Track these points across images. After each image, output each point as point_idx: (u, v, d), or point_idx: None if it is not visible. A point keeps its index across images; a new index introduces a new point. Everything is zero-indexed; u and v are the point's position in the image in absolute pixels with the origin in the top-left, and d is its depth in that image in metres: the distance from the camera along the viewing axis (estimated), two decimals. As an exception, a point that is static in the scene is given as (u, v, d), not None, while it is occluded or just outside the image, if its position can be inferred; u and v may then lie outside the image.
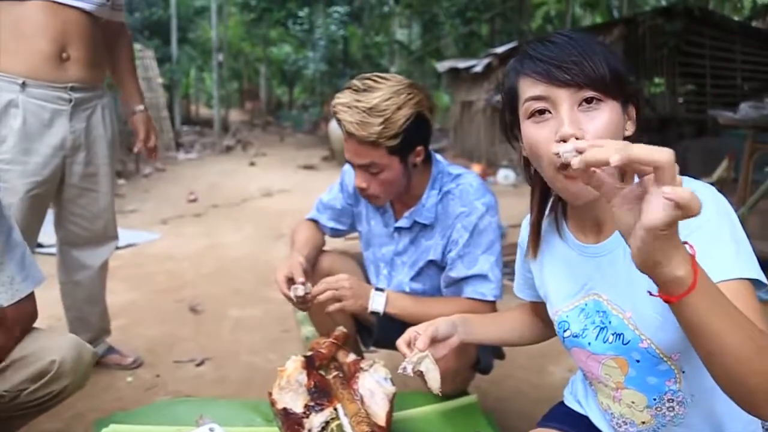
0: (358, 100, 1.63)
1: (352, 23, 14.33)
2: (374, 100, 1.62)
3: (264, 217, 6.03)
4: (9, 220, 1.69)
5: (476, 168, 8.07)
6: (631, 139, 1.13)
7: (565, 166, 0.92)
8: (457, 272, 1.79)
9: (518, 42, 9.74)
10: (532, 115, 1.10)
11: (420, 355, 1.32)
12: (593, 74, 1.06)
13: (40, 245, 2.40)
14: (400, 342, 1.38)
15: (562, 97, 1.06)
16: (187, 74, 18.42)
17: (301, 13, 13.34)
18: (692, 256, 0.84)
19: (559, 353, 2.75)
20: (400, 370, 1.32)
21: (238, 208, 6.40)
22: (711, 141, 8.09)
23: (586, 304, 1.28)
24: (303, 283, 1.74)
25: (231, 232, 5.37)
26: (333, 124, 10.21)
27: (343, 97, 1.66)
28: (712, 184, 1.13)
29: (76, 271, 2.42)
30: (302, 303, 1.75)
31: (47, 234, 2.47)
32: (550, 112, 1.08)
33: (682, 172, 0.84)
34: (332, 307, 1.74)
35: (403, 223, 1.87)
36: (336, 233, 2.12)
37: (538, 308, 1.50)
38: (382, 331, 1.95)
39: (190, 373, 2.58)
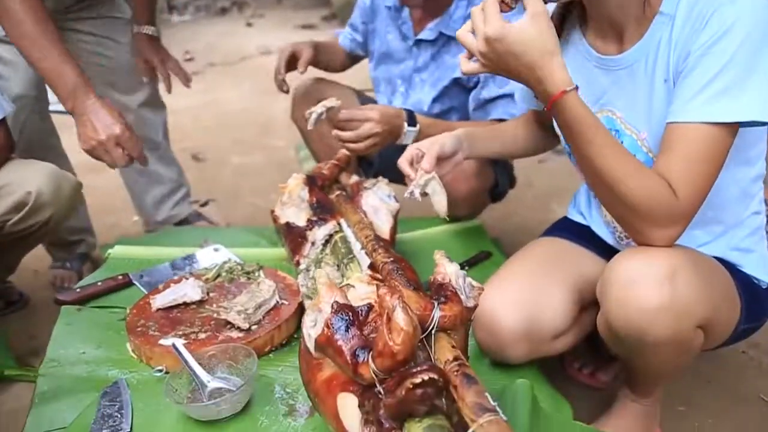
0: None
1: None
2: None
3: (263, 75, 5.80)
4: None
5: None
6: None
7: None
8: (488, 92, 1.70)
9: None
10: None
11: (426, 177, 1.25)
12: None
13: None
14: (402, 161, 1.30)
15: None
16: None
17: None
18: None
19: (564, 192, 2.71)
20: (406, 195, 1.26)
21: (236, 66, 6.18)
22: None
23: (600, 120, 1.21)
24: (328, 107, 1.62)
25: (230, 88, 5.21)
26: (332, -19, 9.69)
27: None
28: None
29: None
30: (318, 119, 1.62)
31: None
32: None
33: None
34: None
35: (426, 35, 1.76)
36: (353, 50, 2.01)
37: (542, 116, 1.43)
38: (383, 161, 1.89)
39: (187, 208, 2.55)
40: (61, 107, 1.58)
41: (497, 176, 1.81)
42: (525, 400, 1.07)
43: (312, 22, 9.58)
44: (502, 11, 0.99)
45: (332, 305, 0.88)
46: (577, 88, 0.98)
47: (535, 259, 1.33)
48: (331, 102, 1.59)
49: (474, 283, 1.01)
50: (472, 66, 1.04)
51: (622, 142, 1.17)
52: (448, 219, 1.32)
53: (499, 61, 1.00)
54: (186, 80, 2.12)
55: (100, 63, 1.98)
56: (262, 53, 6.80)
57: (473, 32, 1.01)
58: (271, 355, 1.29)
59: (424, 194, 1.27)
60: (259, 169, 3.15)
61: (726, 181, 1.10)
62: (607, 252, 1.27)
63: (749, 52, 0.94)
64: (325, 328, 0.88)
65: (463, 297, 0.92)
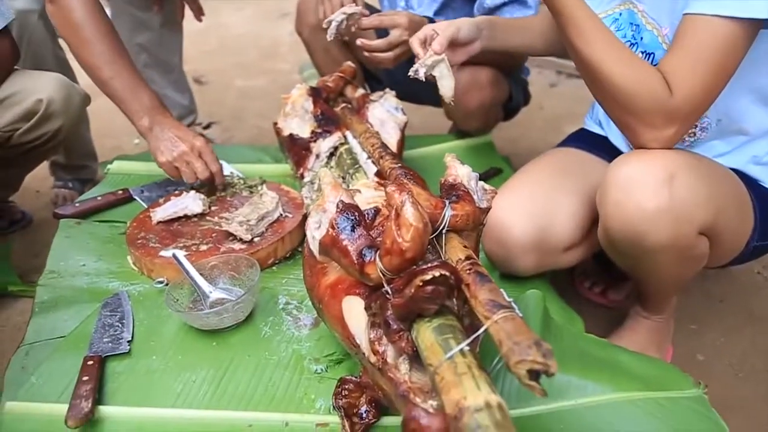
0: None
1: None
2: None
3: (264, -1, 5.65)
4: None
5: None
6: None
7: None
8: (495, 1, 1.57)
9: None
10: None
11: (435, 58, 1.16)
12: None
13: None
14: (414, 39, 1.21)
15: None
16: None
17: None
18: None
19: (575, 116, 2.64)
20: (410, 73, 1.18)
21: (238, -10, 5.98)
22: None
23: (620, 14, 1.14)
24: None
25: (231, 12, 5.05)
26: None
27: None
28: None
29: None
30: (338, 27, 1.50)
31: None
32: None
33: None
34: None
35: None
36: None
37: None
38: (392, 77, 1.80)
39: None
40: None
41: (512, 90, 1.73)
42: (536, 310, 1.03)
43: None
44: None
45: (337, 205, 0.83)
46: None
47: (548, 169, 1.27)
48: (351, 8, 1.48)
49: (486, 186, 0.95)
50: None
51: (641, 38, 1.10)
52: (452, 104, 1.23)
53: None
54: (199, 13, 2.07)
55: None
56: (265, -23, 6.58)
57: None
58: (274, 267, 1.25)
59: (431, 77, 1.19)
60: (263, 91, 3.07)
61: (747, 88, 1.04)
62: None
63: None
64: (330, 229, 0.83)
65: (475, 198, 0.87)
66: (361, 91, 1.62)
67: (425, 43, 1.20)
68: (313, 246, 0.87)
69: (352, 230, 0.81)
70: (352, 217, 0.82)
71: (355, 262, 0.79)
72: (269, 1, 5.44)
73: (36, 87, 1.50)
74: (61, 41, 1.85)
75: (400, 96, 1.58)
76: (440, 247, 0.81)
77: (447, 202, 0.83)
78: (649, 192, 0.93)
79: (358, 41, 1.48)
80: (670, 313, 1.26)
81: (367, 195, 0.97)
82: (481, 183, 0.94)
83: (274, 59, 3.68)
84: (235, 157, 1.69)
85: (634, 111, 0.95)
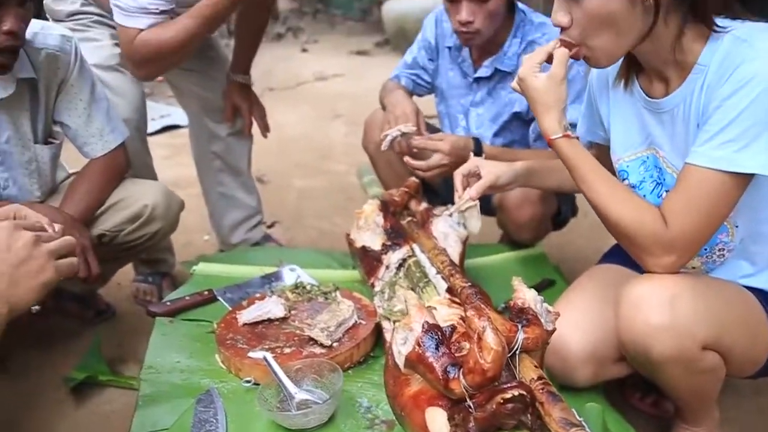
0: None
1: None
2: None
3: (320, 100, 6.01)
4: (92, 75, 1.74)
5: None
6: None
7: None
8: None
9: None
10: None
11: (468, 204, 1.37)
12: None
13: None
14: (458, 175, 1.46)
15: None
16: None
17: None
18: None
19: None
20: (445, 212, 1.38)
21: (293, 91, 6.37)
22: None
23: (647, 157, 1.29)
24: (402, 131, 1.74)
25: (288, 112, 5.38)
26: (386, 8, 9.89)
27: None
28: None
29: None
30: (392, 141, 1.76)
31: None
32: None
33: None
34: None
35: (483, 72, 1.86)
36: (416, 89, 2.09)
37: (596, 153, 1.50)
38: (449, 190, 1.98)
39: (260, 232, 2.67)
40: (156, 127, 1.74)
41: (560, 204, 1.88)
42: (596, 423, 1.13)
43: (365, 48, 9.79)
44: (546, 62, 1.19)
45: (423, 325, 0.97)
46: (566, 136, 1.20)
47: (597, 285, 1.40)
48: (407, 127, 1.71)
49: (549, 307, 1.08)
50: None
51: (664, 179, 1.24)
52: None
53: (525, 96, 1.23)
54: (264, 131, 2.32)
55: (197, 94, 2.18)
56: (318, 79, 7.00)
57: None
58: (350, 371, 1.37)
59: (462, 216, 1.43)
60: (321, 192, 3.27)
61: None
62: None
63: (762, 108, 1.01)
64: (417, 346, 0.96)
65: (542, 320, 1.00)
66: (424, 205, 1.79)
67: (468, 176, 1.42)
68: (399, 360, 1.00)
69: (437, 348, 0.94)
70: (437, 337, 0.95)
71: (441, 378, 0.91)
72: (323, 103, 5.81)
73: (142, 194, 1.74)
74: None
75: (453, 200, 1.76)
76: (514, 367, 0.93)
77: (519, 326, 0.96)
78: (654, 309, 1.08)
79: (405, 158, 1.75)
80: (710, 427, 1.34)
81: (443, 312, 1.10)
82: (545, 305, 1.07)
83: (329, 160, 3.92)
84: (306, 261, 1.85)
85: (636, 243, 1.13)
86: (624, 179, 1.31)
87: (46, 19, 1.95)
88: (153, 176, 2.15)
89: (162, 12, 1.73)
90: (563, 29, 1.16)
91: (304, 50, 9.55)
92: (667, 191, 1.24)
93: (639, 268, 1.41)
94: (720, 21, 1.09)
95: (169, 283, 2.17)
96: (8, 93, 1.55)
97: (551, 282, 1.76)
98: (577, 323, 1.28)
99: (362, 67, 8.23)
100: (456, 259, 1.56)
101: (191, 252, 2.47)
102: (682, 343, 1.09)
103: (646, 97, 1.23)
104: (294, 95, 6.17)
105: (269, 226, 2.75)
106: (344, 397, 1.27)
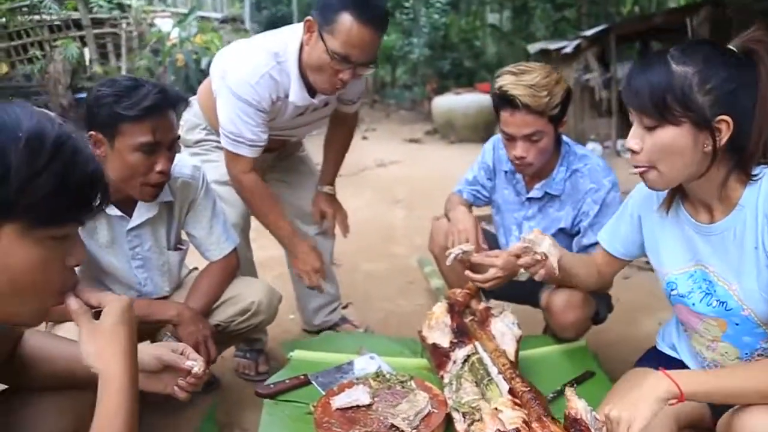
0: (521, 80, 1.77)
1: (451, 11, 14.22)
2: (536, 78, 1.77)
3: (380, 185, 6.26)
4: (214, 195, 1.96)
5: (566, 142, 7.93)
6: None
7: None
8: (588, 239, 1.92)
9: (607, 25, 9.29)
10: None
11: (553, 252, 1.51)
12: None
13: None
14: (516, 248, 1.58)
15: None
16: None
17: (406, 4, 13.37)
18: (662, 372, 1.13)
19: (648, 307, 2.80)
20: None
21: (357, 177, 6.64)
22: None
23: (695, 272, 1.37)
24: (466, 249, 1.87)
25: (353, 197, 5.59)
26: (436, 103, 10.27)
27: (506, 80, 1.80)
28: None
29: None
30: (454, 258, 1.87)
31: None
32: None
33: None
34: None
35: (534, 193, 2.00)
36: (476, 201, 2.24)
37: (606, 262, 1.64)
38: (501, 291, 2.10)
39: (338, 315, 2.82)
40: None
41: (598, 306, 1.97)
42: None
43: (417, 136, 10.13)
44: None
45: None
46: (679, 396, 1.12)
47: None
48: (467, 246, 1.84)
49: (597, 415, 1.17)
50: None
51: (715, 291, 1.32)
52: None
53: None
54: (345, 232, 2.50)
55: (291, 202, 2.40)
56: (378, 165, 7.29)
57: None
58: (425, 454, 1.48)
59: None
60: (386, 275, 3.42)
61: None
62: None
63: None
64: (491, 450, 1.07)
65: (592, 429, 1.10)
66: (483, 304, 1.91)
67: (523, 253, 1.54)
68: (475, 458, 1.11)
69: (507, 453, 1.05)
70: (507, 443, 1.07)
71: (512, 478, 1.02)
72: (383, 188, 6.05)
73: (250, 292, 1.92)
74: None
75: (504, 297, 1.86)
76: (572, 473, 1.03)
77: (575, 437, 1.06)
78: None
79: (466, 272, 1.85)
80: None
81: (508, 414, 1.21)
82: (594, 413, 1.16)
83: (391, 243, 4.09)
84: (381, 348, 1.98)
85: None
86: (673, 289, 1.40)
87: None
88: (252, 267, 2.35)
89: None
90: (633, 152, 1.25)
91: (365, 138, 9.96)
92: (717, 300, 1.32)
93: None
94: (755, 170, 1.22)
95: (264, 359, 2.32)
96: (153, 213, 1.77)
97: (592, 374, 1.83)
98: None
99: (415, 152, 8.53)
100: (512, 355, 1.67)
101: (279, 329, 2.63)
102: None
103: (695, 222, 1.33)
104: (358, 181, 6.44)
105: (344, 307, 2.90)
106: (423, 480, 1.37)
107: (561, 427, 1.09)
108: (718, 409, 1.27)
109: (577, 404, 1.15)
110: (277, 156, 2.36)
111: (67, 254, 0.88)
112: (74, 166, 0.83)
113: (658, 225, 1.44)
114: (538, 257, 1.52)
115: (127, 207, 1.73)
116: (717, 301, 1.32)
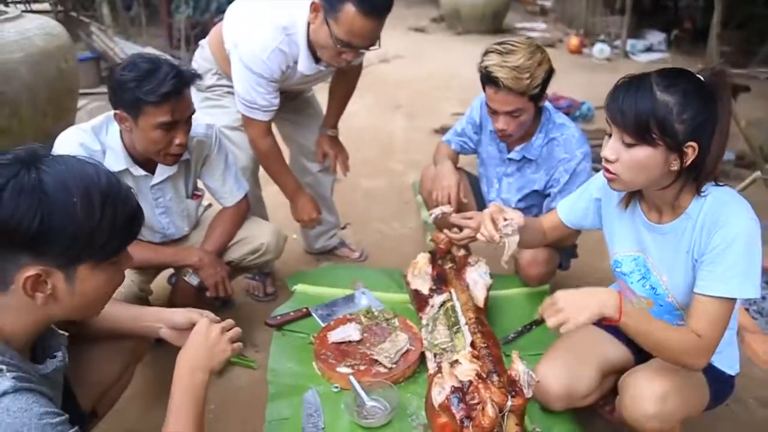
0: (506, 61, 1.95)
1: None
2: (520, 60, 1.95)
3: (383, 87, 6.30)
4: (226, 149, 2.19)
5: (574, 40, 7.79)
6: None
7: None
8: (555, 204, 2.13)
9: None
10: None
11: (512, 240, 1.72)
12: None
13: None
14: (487, 217, 1.76)
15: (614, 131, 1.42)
16: None
17: None
18: (619, 297, 1.37)
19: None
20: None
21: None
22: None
23: (638, 257, 1.64)
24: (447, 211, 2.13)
25: (354, 100, 5.70)
26: (443, -12, 9.94)
27: (491, 60, 1.98)
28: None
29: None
30: (436, 217, 2.16)
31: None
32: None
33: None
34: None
35: (514, 155, 2.23)
36: (463, 151, 2.47)
37: (557, 228, 1.89)
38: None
39: (336, 240, 3.10)
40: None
41: (561, 258, 2.28)
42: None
43: (422, 24, 9.91)
44: None
45: (451, 387, 1.43)
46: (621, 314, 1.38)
47: (575, 344, 1.76)
48: (447, 209, 2.12)
49: (533, 375, 1.51)
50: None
51: (649, 278, 1.60)
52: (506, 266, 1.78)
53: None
54: (345, 171, 2.73)
55: (296, 140, 2.66)
56: (381, 61, 7.27)
57: None
58: (401, 383, 1.85)
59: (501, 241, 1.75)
60: (384, 194, 3.69)
61: None
62: (627, 339, 1.71)
63: (746, 256, 1.37)
64: (446, 400, 1.42)
65: (525, 390, 1.44)
66: (463, 252, 2.21)
67: (500, 212, 1.77)
68: (435, 402, 1.47)
69: (458, 404, 1.40)
70: (458, 396, 1.42)
71: (459, 424, 1.38)
72: (385, 89, 6.13)
73: (260, 233, 2.22)
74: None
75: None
76: (503, 423, 1.39)
77: (509, 396, 1.41)
78: (648, 403, 1.43)
79: (444, 231, 2.09)
80: None
81: (465, 367, 1.56)
82: (531, 374, 1.50)
83: (390, 158, 4.30)
84: (373, 283, 2.33)
85: (682, 353, 1.40)
86: (618, 267, 1.67)
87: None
88: (261, 203, 2.64)
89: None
90: (607, 161, 1.44)
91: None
92: (650, 285, 1.60)
93: (607, 329, 1.82)
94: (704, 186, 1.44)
95: (271, 281, 2.67)
96: (173, 172, 2.02)
97: (550, 314, 2.18)
98: (556, 373, 1.65)
99: (420, 45, 8.43)
100: (481, 301, 2.01)
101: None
102: (665, 424, 1.45)
103: (646, 220, 1.58)
104: (361, 80, 6.47)
105: (343, 228, 3.20)
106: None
107: (503, 391, 1.43)
108: (639, 358, 1.62)
109: (518, 367, 1.49)
110: (286, 96, 2.55)
111: (120, 265, 1.16)
112: (121, 211, 1.07)
113: (616, 213, 1.68)
114: (504, 232, 1.77)
115: (150, 167, 1.97)
116: (649, 285, 1.61)
